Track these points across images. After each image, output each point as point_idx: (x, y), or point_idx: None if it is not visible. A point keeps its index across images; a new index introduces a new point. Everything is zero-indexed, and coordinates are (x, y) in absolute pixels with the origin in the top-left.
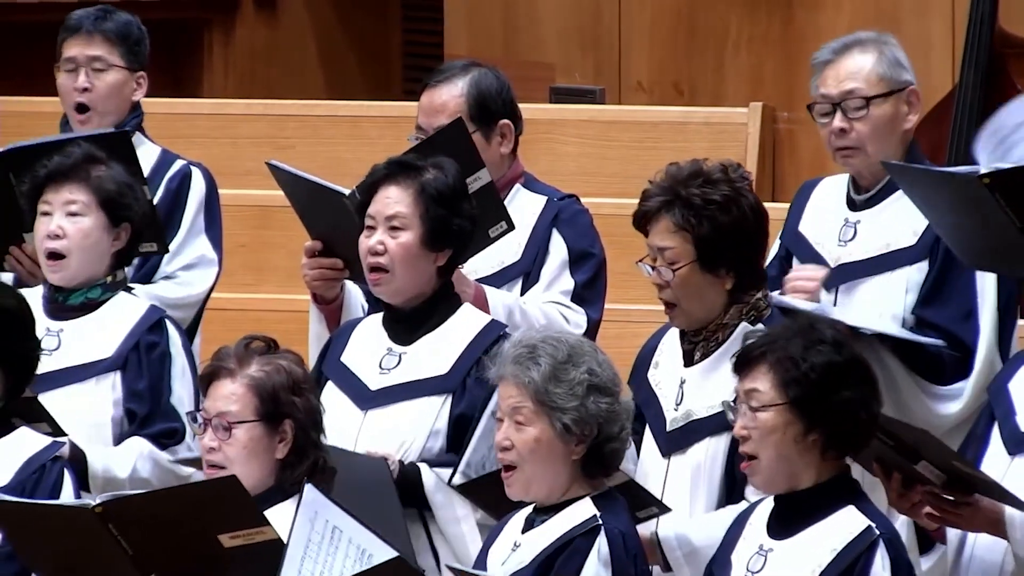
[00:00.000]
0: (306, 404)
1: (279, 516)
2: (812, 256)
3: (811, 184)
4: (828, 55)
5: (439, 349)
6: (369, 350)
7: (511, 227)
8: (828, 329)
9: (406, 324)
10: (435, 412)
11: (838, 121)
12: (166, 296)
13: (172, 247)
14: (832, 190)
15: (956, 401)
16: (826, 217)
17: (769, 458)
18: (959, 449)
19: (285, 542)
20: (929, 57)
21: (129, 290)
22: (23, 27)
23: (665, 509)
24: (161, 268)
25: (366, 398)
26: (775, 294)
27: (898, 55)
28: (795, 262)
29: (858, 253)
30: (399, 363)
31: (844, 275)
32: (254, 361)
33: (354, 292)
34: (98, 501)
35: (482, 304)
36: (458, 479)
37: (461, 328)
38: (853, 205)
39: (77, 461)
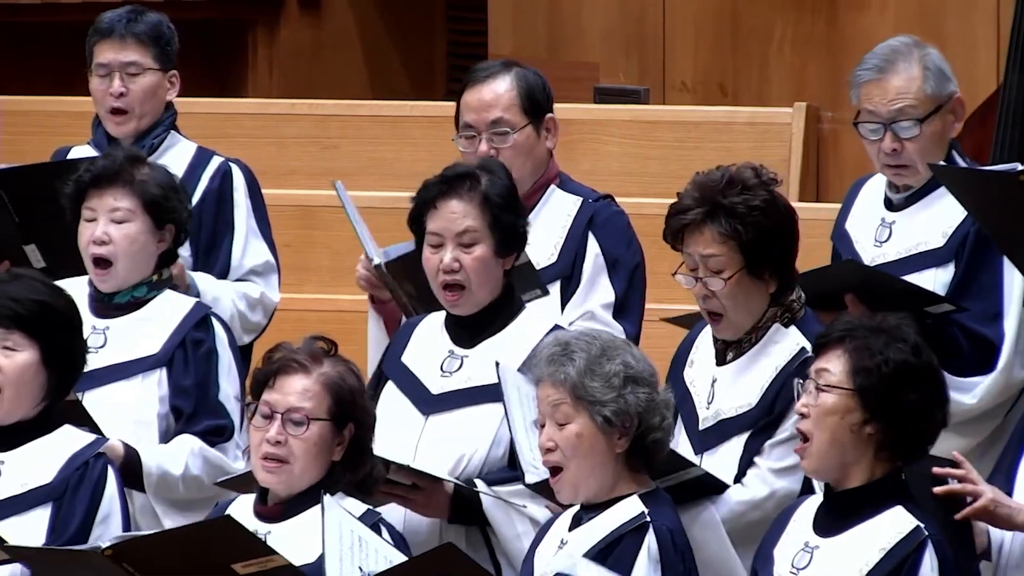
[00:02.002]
0: (370, 410)
1: (314, 518)
2: (852, 255)
3: (860, 182)
4: (872, 73)
5: (502, 354)
6: (430, 351)
7: (546, 293)
8: (912, 332)
9: (469, 327)
10: (498, 419)
11: (889, 141)
12: (252, 295)
13: (235, 249)
14: (876, 189)
15: (969, 395)
16: (867, 216)
17: (822, 441)
18: (1000, 457)
19: (322, 547)
20: (974, 58)
21: (175, 288)
22: (60, 27)
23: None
24: (232, 270)
25: (427, 402)
26: None
27: (941, 65)
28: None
29: (891, 254)
30: (461, 366)
31: None
32: (325, 361)
33: None
34: (106, 544)
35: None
36: (532, 478)
37: (524, 332)
38: (890, 205)
39: (131, 461)
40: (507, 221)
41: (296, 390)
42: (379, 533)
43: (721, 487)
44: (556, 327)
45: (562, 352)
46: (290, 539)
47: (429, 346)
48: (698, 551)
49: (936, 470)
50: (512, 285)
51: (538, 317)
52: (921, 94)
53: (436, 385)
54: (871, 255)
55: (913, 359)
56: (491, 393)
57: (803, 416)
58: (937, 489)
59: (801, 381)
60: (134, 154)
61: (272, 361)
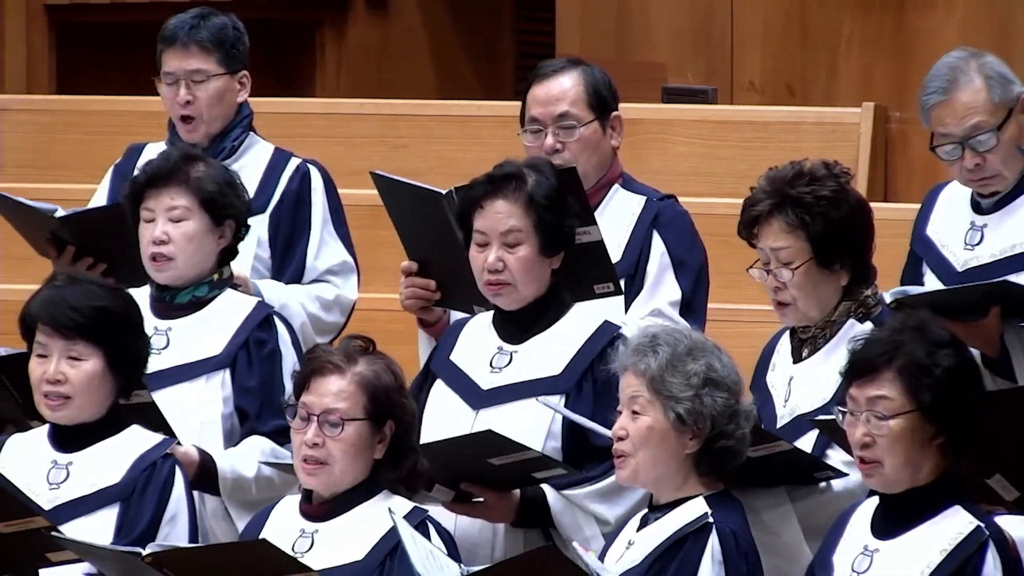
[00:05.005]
0: (409, 406)
1: (360, 517)
2: (939, 260)
3: (938, 188)
4: (938, 96)
5: (552, 349)
6: (479, 349)
7: (619, 292)
8: (940, 329)
9: (517, 323)
10: (550, 413)
11: (970, 159)
12: (326, 296)
13: (310, 249)
14: (958, 193)
15: None
16: (953, 220)
17: (896, 464)
18: None
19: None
20: None
21: (236, 287)
22: (128, 26)
23: (842, 473)
24: (307, 272)
25: (478, 397)
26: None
27: (1001, 70)
28: (926, 267)
29: (985, 256)
30: (510, 362)
31: (972, 278)
32: (360, 360)
33: (457, 314)
34: (146, 552)
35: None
36: None
37: (574, 329)
38: (978, 208)
39: (205, 465)
40: (552, 221)
41: (331, 391)
42: (427, 532)
43: (815, 463)
44: (606, 323)
45: (649, 343)
46: (337, 538)
47: (477, 344)
48: (775, 537)
49: None
50: (560, 283)
51: (588, 312)
52: (990, 105)
53: (486, 380)
54: (962, 259)
55: (958, 359)
56: (542, 387)
57: (866, 445)
58: None
59: (841, 409)
60: (189, 152)
61: (308, 363)
